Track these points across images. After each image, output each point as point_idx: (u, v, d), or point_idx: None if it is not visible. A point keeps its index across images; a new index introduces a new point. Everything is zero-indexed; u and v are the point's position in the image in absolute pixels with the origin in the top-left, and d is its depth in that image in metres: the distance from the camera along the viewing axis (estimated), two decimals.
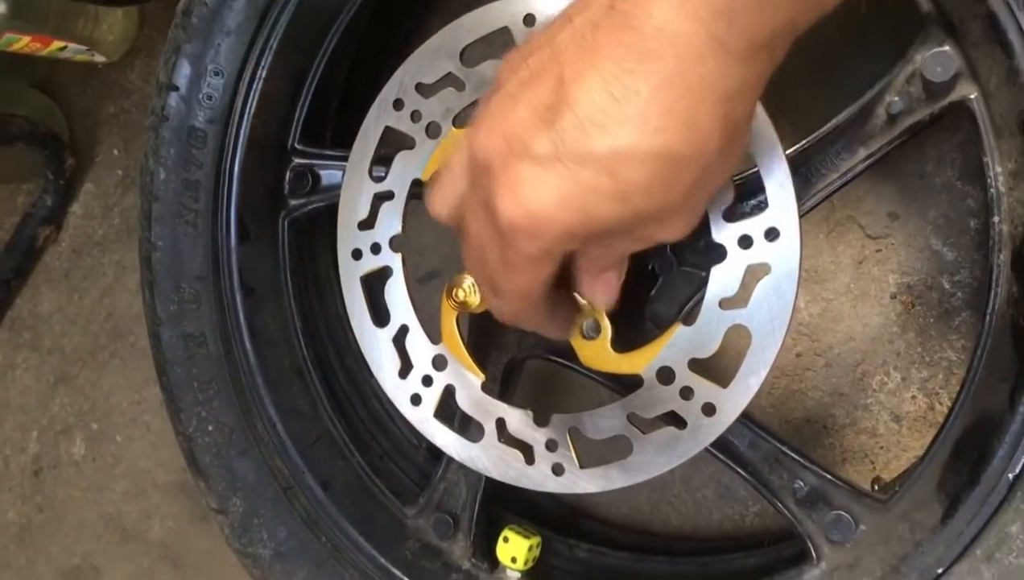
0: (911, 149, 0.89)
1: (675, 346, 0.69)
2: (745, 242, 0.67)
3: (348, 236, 0.80)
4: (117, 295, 1.31)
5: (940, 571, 0.68)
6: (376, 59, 0.99)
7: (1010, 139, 0.67)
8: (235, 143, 0.89)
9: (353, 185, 0.80)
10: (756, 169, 0.67)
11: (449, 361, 0.77)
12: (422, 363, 0.78)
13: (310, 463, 0.89)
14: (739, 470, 0.78)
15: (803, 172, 0.73)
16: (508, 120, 0.52)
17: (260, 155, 0.90)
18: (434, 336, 0.78)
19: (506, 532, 0.85)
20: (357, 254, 0.80)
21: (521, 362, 0.82)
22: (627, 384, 0.71)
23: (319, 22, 0.89)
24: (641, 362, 0.70)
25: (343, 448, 0.92)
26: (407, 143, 0.77)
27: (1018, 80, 0.65)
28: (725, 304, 0.68)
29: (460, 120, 0.76)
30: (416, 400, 0.78)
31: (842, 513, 0.73)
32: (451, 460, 0.83)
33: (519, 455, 0.75)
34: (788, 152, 0.67)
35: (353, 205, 0.80)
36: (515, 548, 0.84)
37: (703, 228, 0.67)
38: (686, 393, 0.69)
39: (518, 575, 0.84)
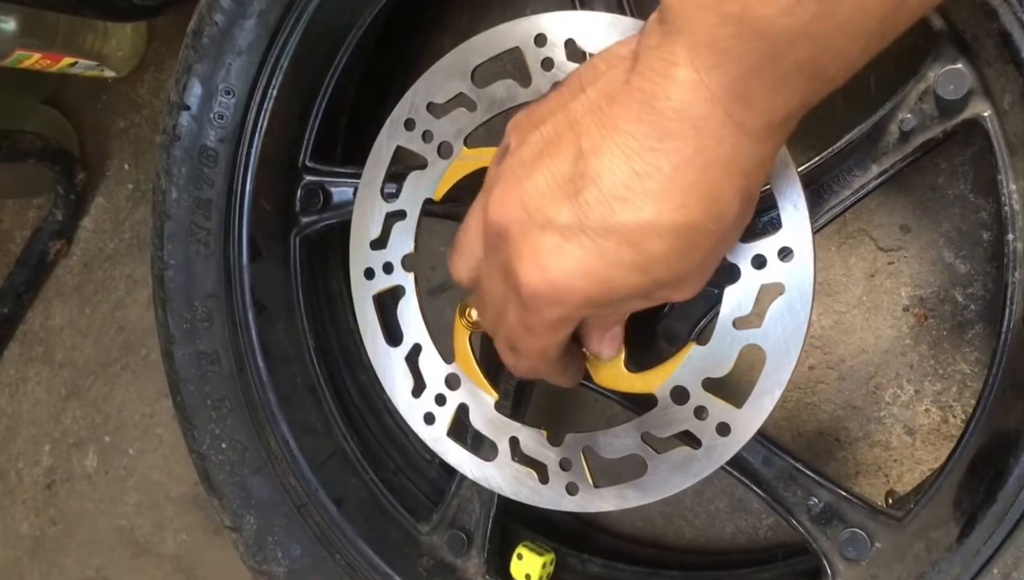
0: (923, 162, 0.88)
1: (689, 365, 0.69)
2: (759, 261, 0.66)
3: (360, 255, 0.80)
4: (128, 308, 1.31)
5: None
6: (386, 76, 0.99)
7: None
8: (246, 161, 0.89)
9: (365, 205, 0.80)
10: (769, 188, 0.67)
11: (462, 380, 0.77)
12: (435, 382, 0.78)
13: (323, 480, 0.89)
14: (753, 487, 0.78)
15: (815, 189, 0.73)
16: (526, 188, 0.53)
17: (271, 173, 0.90)
18: (447, 355, 0.78)
19: (520, 549, 0.85)
20: (369, 273, 0.80)
21: (534, 381, 0.82)
22: (641, 403, 0.71)
23: (329, 41, 0.89)
24: (655, 381, 0.70)
25: (356, 465, 0.92)
26: (419, 163, 0.77)
27: None
28: (739, 323, 0.68)
29: (471, 140, 0.76)
30: (430, 419, 0.78)
31: (857, 530, 0.73)
32: (464, 477, 0.83)
33: (533, 474, 0.75)
34: (800, 169, 0.67)
35: (365, 225, 0.80)
36: (529, 565, 0.84)
37: None
38: (700, 413, 0.69)
39: None
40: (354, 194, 0.82)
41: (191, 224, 0.90)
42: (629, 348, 0.71)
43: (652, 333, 0.77)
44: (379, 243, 0.79)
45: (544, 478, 0.75)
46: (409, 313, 0.79)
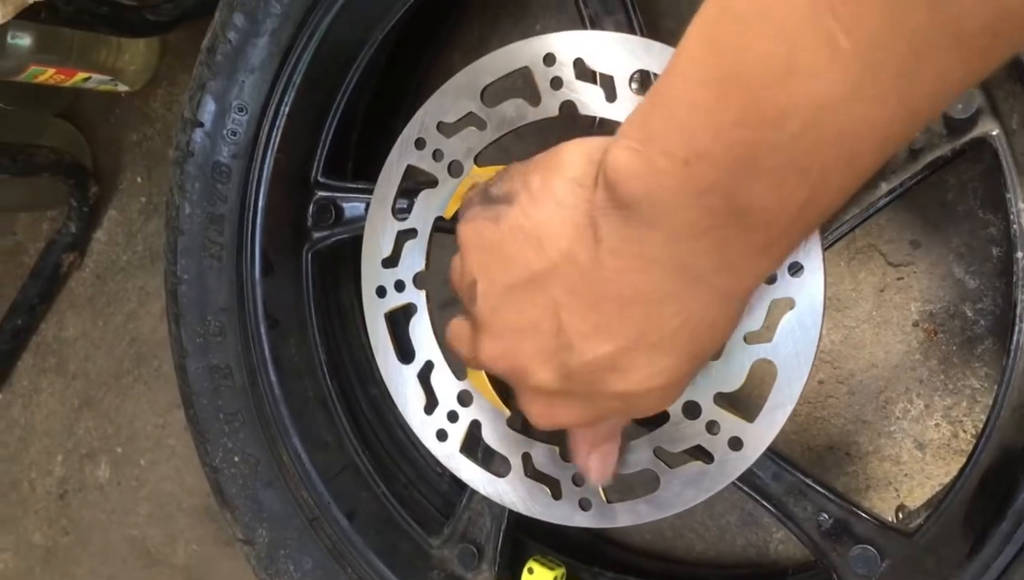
0: (933, 178, 0.88)
1: (701, 380, 0.69)
2: (769, 277, 0.67)
3: (372, 273, 0.81)
4: (141, 320, 1.32)
5: None
6: (397, 92, 1.00)
7: None
8: (259, 177, 0.89)
9: (377, 223, 0.80)
10: None
11: (475, 397, 0.78)
12: (448, 399, 0.78)
13: (335, 494, 0.89)
14: (763, 502, 0.78)
15: None
16: (513, 348, 0.55)
17: (284, 189, 0.91)
18: (459, 371, 0.78)
19: (531, 563, 0.85)
20: (381, 291, 0.80)
21: None
22: (653, 418, 0.71)
23: (341, 58, 0.90)
24: None
25: (368, 478, 0.93)
26: (429, 181, 0.78)
27: None
28: (750, 338, 0.68)
29: (481, 159, 0.76)
30: (442, 436, 0.79)
31: (867, 547, 0.73)
32: (475, 490, 0.83)
33: (546, 490, 0.76)
34: None
35: (377, 243, 0.80)
36: (540, 579, 0.84)
37: None
38: (712, 427, 0.70)
39: None
40: (365, 209, 0.82)
41: (204, 239, 0.91)
42: None
43: None
44: (391, 261, 0.80)
45: (557, 494, 0.75)
46: (421, 330, 0.79)
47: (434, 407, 0.78)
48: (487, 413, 0.77)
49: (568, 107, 0.73)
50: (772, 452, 0.76)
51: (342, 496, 0.90)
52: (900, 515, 0.88)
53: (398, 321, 0.80)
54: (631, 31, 0.79)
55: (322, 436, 0.92)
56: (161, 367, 1.30)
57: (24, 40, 1.08)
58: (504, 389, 0.77)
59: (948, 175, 0.89)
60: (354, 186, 0.92)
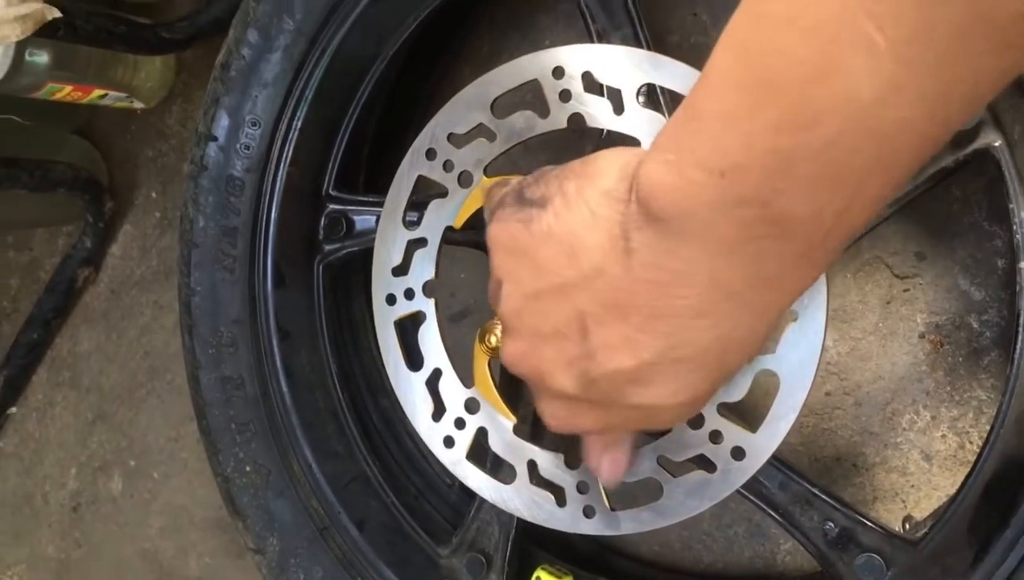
0: (938, 190, 0.90)
1: None
2: None
3: (382, 282, 0.82)
4: (154, 334, 1.33)
5: None
6: (407, 106, 1.01)
7: None
8: (271, 191, 0.91)
9: (387, 232, 0.82)
10: None
11: (481, 404, 0.79)
12: (455, 406, 0.79)
13: (345, 503, 0.90)
14: (770, 511, 0.78)
15: None
16: (536, 353, 0.56)
17: (295, 202, 0.92)
18: (467, 379, 0.79)
19: (539, 572, 0.86)
20: (391, 299, 0.81)
21: None
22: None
23: (352, 74, 0.91)
24: None
25: (378, 488, 0.93)
26: (440, 191, 0.79)
27: None
28: None
29: (491, 169, 0.77)
30: (449, 442, 0.80)
31: (873, 555, 0.74)
32: (484, 500, 0.84)
33: (551, 497, 0.76)
34: None
35: (387, 251, 0.81)
36: None
37: None
38: (715, 437, 0.70)
39: None
40: (376, 222, 0.84)
41: (217, 252, 0.92)
42: None
43: None
44: (401, 270, 0.81)
45: (562, 501, 0.76)
46: (429, 338, 0.80)
47: (442, 414, 0.79)
48: (493, 420, 0.78)
49: (576, 119, 0.75)
50: (778, 461, 0.76)
51: (352, 506, 0.90)
52: (907, 526, 0.88)
53: (407, 329, 0.81)
54: (638, 45, 0.80)
55: (332, 446, 0.93)
56: (174, 381, 1.31)
57: (42, 57, 1.09)
58: (510, 397, 0.78)
59: (953, 188, 0.90)
60: (365, 199, 0.94)
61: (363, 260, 0.84)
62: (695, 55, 0.85)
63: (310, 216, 0.94)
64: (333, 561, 0.89)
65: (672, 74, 0.72)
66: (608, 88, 0.73)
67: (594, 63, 0.74)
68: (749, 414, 0.71)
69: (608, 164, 0.52)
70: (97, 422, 1.37)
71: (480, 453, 0.79)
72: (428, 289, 0.81)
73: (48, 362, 1.41)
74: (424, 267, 0.81)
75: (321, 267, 0.94)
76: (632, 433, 0.66)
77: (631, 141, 0.73)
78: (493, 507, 0.84)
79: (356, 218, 0.94)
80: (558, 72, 0.74)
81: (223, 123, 0.91)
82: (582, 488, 0.75)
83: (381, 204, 0.82)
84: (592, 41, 0.82)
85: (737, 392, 0.69)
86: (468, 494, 0.90)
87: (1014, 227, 0.69)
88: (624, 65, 0.73)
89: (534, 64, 0.75)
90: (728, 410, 0.70)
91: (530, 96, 0.76)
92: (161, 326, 1.33)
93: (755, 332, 0.50)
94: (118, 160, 1.36)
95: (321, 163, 0.94)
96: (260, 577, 0.92)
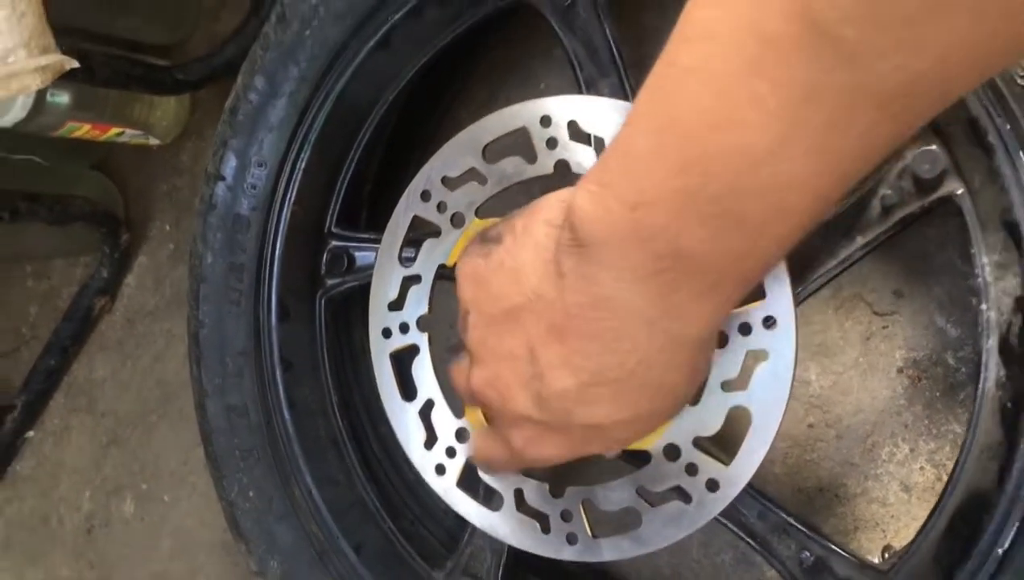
0: (914, 230, 0.93)
1: (681, 424, 0.73)
2: (744, 329, 0.70)
3: (379, 316, 0.85)
4: (167, 362, 1.38)
5: None
6: (407, 148, 1.06)
7: (994, 233, 0.71)
8: (276, 228, 0.95)
9: (384, 269, 0.85)
10: None
11: (471, 434, 0.82)
12: (446, 435, 0.83)
13: (344, 528, 0.93)
14: (749, 540, 0.81)
15: (804, 259, 0.78)
16: (497, 375, 0.60)
17: (299, 239, 0.96)
18: (457, 410, 0.82)
19: None
20: (387, 333, 0.85)
21: None
22: (637, 459, 0.76)
23: (354, 117, 0.96)
24: (650, 439, 0.74)
25: (375, 514, 0.97)
26: (434, 231, 0.83)
27: (998, 179, 0.69)
28: (727, 386, 0.72)
29: (482, 211, 0.81)
30: (440, 470, 0.83)
31: None
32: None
33: (536, 524, 0.79)
34: None
35: (384, 287, 0.85)
36: None
37: None
38: (691, 469, 0.73)
39: None
40: (376, 258, 0.88)
41: (225, 286, 0.96)
42: None
43: None
44: (396, 305, 0.85)
45: (546, 528, 0.79)
46: (423, 370, 0.84)
47: (433, 443, 0.83)
48: None
49: (562, 165, 0.78)
50: (756, 491, 0.80)
51: (350, 530, 0.94)
52: (886, 555, 0.91)
53: (402, 361, 0.85)
54: (623, 93, 0.84)
55: (332, 474, 0.97)
56: (185, 407, 1.35)
57: (63, 98, 1.15)
58: None
59: (929, 229, 0.93)
60: (365, 236, 0.98)
61: (363, 294, 0.88)
62: None
63: (313, 252, 0.98)
64: None
65: None
66: (593, 137, 0.77)
67: (579, 113, 0.77)
68: (726, 447, 0.74)
69: (552, 200, 0.56)
70: (111, 446, 1.41)
71: (471, 481, 0.83)
72: (422, 323, 0.84)
73: (65, 388, 1.45)
74: (419, 303, 0.84)
75: (323, 301, 0.98)
76: None
77: None
78: (486, 534, 0.87)
79: (357, 254, 0.98)
80: (545, 121, 0.78)
81: (231, 164, 0.95)
82: (566, 516, 0.79)
83: (380, 241, 0.86)
84: (580, 89, 0.86)
85: (710, 427, 0.72)
86: (462, 520, 0.93)
87: (976, 270, 0.73)
88: (608, 115, 0.77)
89: (523, 113, 0.79)
90: (704, 443, 0.74)
91: (520, 142, 0.80)
92: (173, 354, 1.37)
93: (680, 359, 0.54)
94: (134, 194, 1.41)
95: (324, 202, 0.98)
96: None
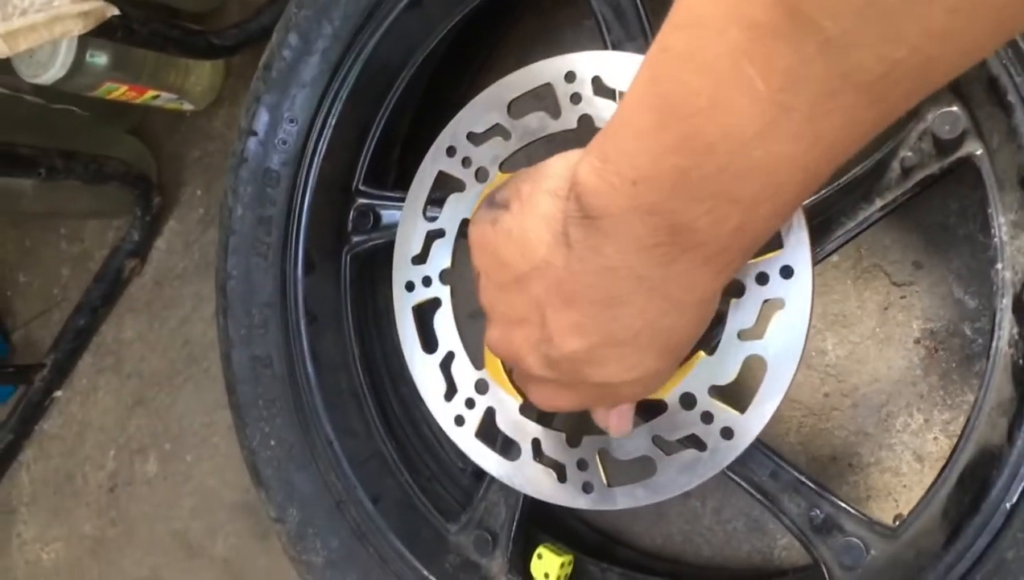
0: (935, 202, 0.94)
1: (697, 373, 0.74)
2: (762, 278, 0.72)
3: (402, 269, 0.87)
4: (194, 324, 1.40)
5: None
6: (436, 111, 1.07)
7: (1011, 192, 0.72)
8: (305, 183, 0.97)
9: (408, 223, 0.87)
10: None
11: (490, 385, 0.83)
12: (466, 387, 0.84)
13: (362, 479, 0.95)
14: (761, 498, 0.82)
15: (824, 219, 0.79)
16: (509, 338, 0.62)
17: (327, 195, 0.98)
18: (478, 362, 0.84)
19: (540, 549, 0.90)
20: (410, 286, 0.87)
21: None
22: (652, 408, 0.77)
23: (385, 77, 0.97)
24: (666, 387, 0.75)
25: (393, 467, 0.98)
26: (458, 186, 0.85)
27: (1017, 138, 0.70)
28: (743, 335, 0.73)
29: (506, 166, 0.83)
30: (460, 421, 0.85)
31: (853, 539, 0.78)
32: (492, 481, 0.89)
33: (552, 474, 0.81)
34: (810, 200, 0.74)
35: (408, 241, 0.87)
36: (548, 564, 0.89)
37: None
38: (706, 418, 0.74)
39: None
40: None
41: (253, 239, 0.98)
42: None
43: None
44: (420, 258, 0.87)
45: (562, 477, 0.81)
46: (444, 323, 0.86)
47: (453, 394, 0.84)
48: (501, 401, 0.83)
49: (586, 120, 0.80)
50: (769, 450, 0.81)
51: (368, 482, 0.96)
52: (897, 523, 0.92)
53: (424, 314, 0.86)
54: None
55: (352, 426, 0.99)
56: (210, 369, 1.38)
57: (101, 59, 1.17)
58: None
59: (949, 199, 0.94)
60: (392, 195, 1.00)
61: (388, 252, 0.90)
62: None
63: (340, 209, 1.00)
64: (348, 532, 0.94)
65: None
66: (616, 91, 0.79)
67: (603, 68, 0.79)
68: (739, 397, 0.75)
69: (556, 166, 0.57)
70: (136, 407, 1.44)
71: (488, 432, 0.84)
72: (445, 277, 0.86)
73: (93, 348, 1.48)
74: (442, 256, 0.86)
75: (349, 257, 1.00)
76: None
77: None
78: (501, 488, 0.89)
79: (383, 212, 1.00)
80: (570, 76, 0.80)
81: (263, 119, 0.98)
82: (581, 465, 0.80)
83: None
84: (607, 48, 0.87)
85: (726, 376, 0.74)
86: (478, 476, 0.95)
87: (992, 230, 0.73)
88: (632, 69, 0.78)
89: (547, 69, 0.81)
90: (719, 393, 0.75)
91: (544, 98, 0.82)
92: (200, 317, 1.40)
93: (683, 320, 0.57)
94: (167, 159, 1.44)
95: (352, 159, 1.00)
96: (282, 554, 0.98)
